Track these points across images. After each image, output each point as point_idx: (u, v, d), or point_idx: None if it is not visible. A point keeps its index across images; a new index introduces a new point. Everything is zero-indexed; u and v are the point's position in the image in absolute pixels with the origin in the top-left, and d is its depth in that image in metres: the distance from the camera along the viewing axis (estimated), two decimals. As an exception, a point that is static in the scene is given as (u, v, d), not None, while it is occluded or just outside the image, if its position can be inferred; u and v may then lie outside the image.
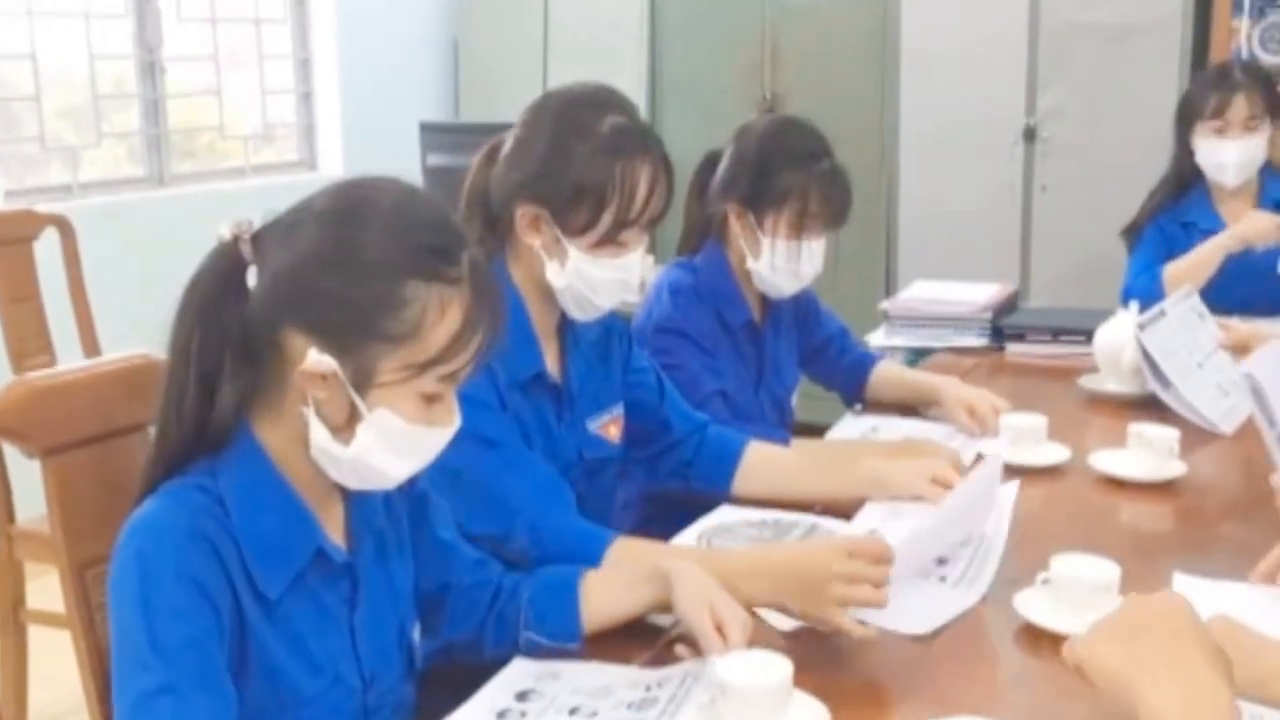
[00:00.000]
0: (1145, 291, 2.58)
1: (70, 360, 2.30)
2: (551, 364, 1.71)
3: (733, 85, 4.69)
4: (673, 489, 1.90)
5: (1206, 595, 1.49)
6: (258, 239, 1.18)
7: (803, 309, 2.34)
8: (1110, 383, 2.35)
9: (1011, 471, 1.95)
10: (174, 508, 1.14)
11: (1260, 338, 2.30)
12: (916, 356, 2.73)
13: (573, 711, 1.25)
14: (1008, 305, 2.85)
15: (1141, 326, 2.21)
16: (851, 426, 2.25)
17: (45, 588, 2.06)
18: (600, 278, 1.63)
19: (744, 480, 1.85)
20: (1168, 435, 1.90)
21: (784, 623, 1.42)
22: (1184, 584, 1.53)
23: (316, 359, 1.14)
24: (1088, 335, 2.47)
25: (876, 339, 2.78)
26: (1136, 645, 0.98)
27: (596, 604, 1.39)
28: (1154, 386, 2.22)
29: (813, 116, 2.23)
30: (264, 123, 4.74)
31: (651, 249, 2.32)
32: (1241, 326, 2.37)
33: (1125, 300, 2.51)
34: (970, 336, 2.73)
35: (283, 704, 1.18)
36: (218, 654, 1.12)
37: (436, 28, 5.16)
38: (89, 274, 3.03)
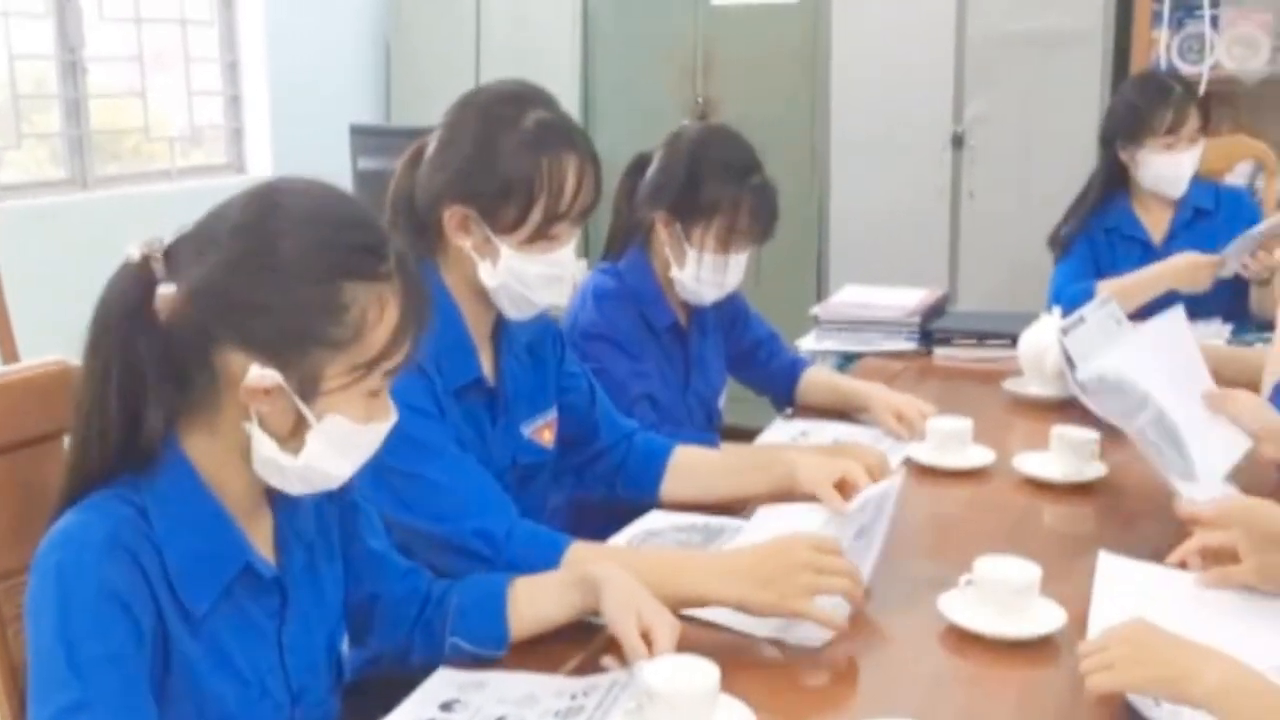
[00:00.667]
0: (1074, 301, 2.62)
1: (-13, 367, 2.24)
2: (486, 368, 1.70)
3: (666, 90, 4.71)
4: (599, 496, 1.90)
5: (1128, 574, 1.54)
6: (170, 255, 1.15)
7: (729, 312, 2.35)
8: (1034, 386, 2.39)
9: (937, 474, 1.98)
10: (96, 520, 1.12)
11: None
12: (846, 360, 2.75)
13: (498, 721, 1.25)
14: (936, 309, 2.88)
15: (1064, 331, 2.24)
16: (782, 430, 2.27)
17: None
18: (534, 274, 1.62)
19: (671, 484, 1.86)
20: (1088, 437, 1.94)
21: (759, 627, 1.42)
22: (1108, 561, 1.57)
23: (260, 374, 1.12)
24: (1013, 339, 2.51)
25: (807, 343, 2.80)
26: (1154, 655, 1.19)
27: (524, 611, 1.39)
28: (1075, 390, 2.26)
29: (745, 121, 2.24)
30: (191, 125, 4.66)
31: (585, 253, 2.32)
32: None
33: (1051, 307, 2.54)
34: (899, 340, 2.76)
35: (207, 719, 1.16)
36: (138, 671, 1.09)
37: (367, 30, 5.11)
38: (8, 278, 2.96)
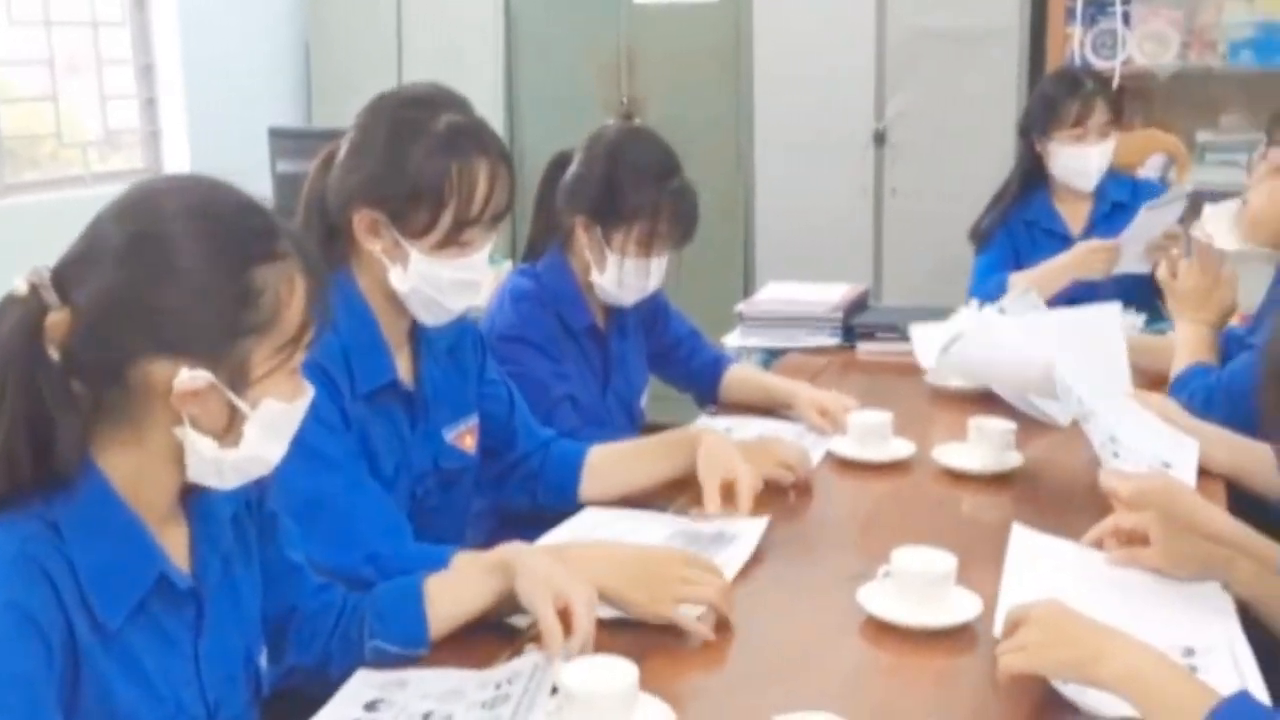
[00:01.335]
0: (991, 294, 2.66)
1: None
2: (404, 372, 1.69)
3: (590, 90, 4.70)
4: (521, 504, 1.90)
5: (1041, 547, 1.57)
6: (58, 280, 1.13)
7: (650, 311, 2.35)
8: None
9: (858, 468, 2.00)
10: (3, 536, 1.09)
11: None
12: (771, 356, 2.77)
13: (426, 717, 1.24)
14: (859, 305, 2.91)
15: (970, 330, 2.27)
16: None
17: None
18: (446, 279, 1.61)
19: (589, 486, 1.86)
20: (1005, 428, 1.97)
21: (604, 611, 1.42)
22: (1020, 534, 1.59)
23: (190, 377, 1.12)
24: (934, 333, 2.53)
25: (732, 340, 2.81)
26: (1065, 637, 1.21)
27: (442, 605, 1.38)
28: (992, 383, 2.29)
29: (669, 120, 2.25)
30: (105, 130, 4.57)
31: (511, 254, 2.31)
32: None
33: (970, 299, 2.58)
34: (823, 336, 2.78)
35: None
36: (46, 689, 1.06)
37: (286, 31, 5.04)
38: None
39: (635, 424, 2.31)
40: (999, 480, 1.93)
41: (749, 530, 1.68)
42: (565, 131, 2.23)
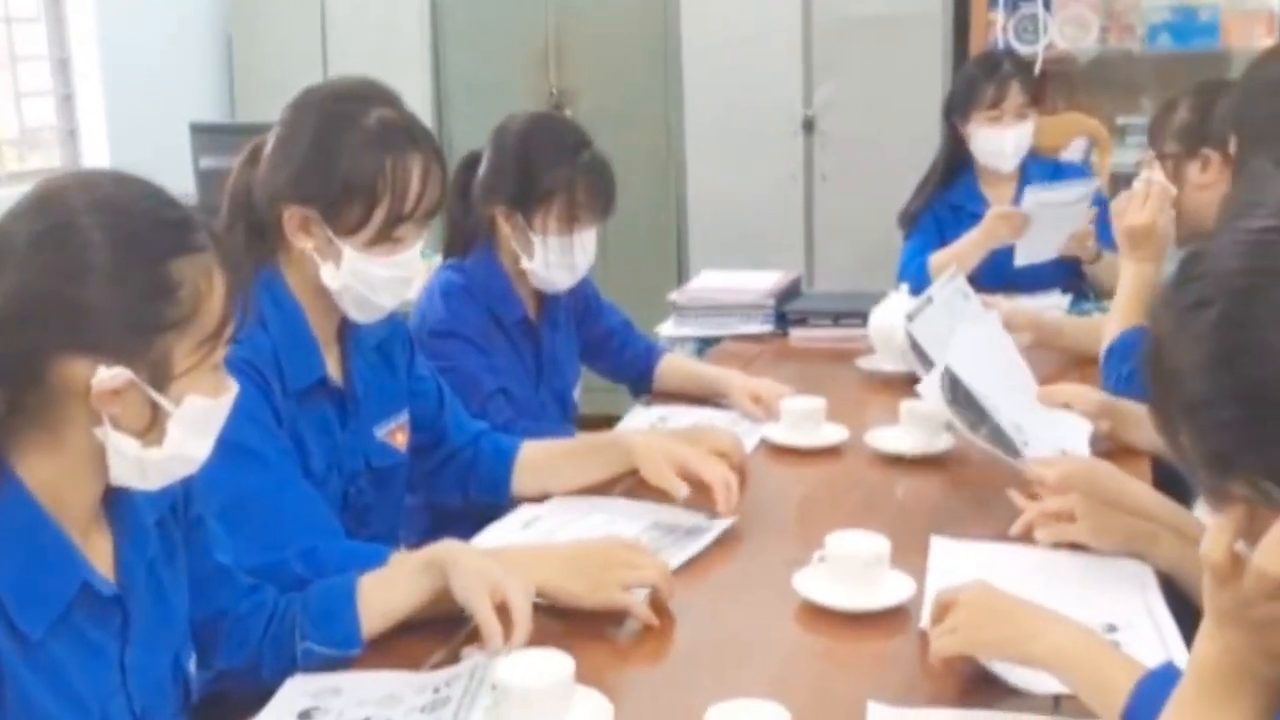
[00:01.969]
0: (915, 277, 2.70)
1: None
2: (334, 370, 1.67)
3: (519, 82, 4.68)
4: (453, 500, 1.89)
5: (962, 553, 1.58)
6: None
7: (581, 303, 2.35)
8: (886, 362, 2.44)
9: (792, 454, 2.01)
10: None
11: (1021, 314, 2.42)
12: (704, 346, 2.78)
13: (364, 723, 1.22)
14: (791, 291, 2.93)
15: (910, 317, 2.29)
16: (640, 417, 2.28)
17: None
18: (379, 276, 1.59)
19: (520, 481, 1.85)
20: (936, 411, 1.99)
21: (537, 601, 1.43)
22: (940, 545, 1.61)
23: (109, 375, 1.09)
24: (866, 318, 2.55)
25: (666, 329, 2.82)
26: (995, 618, 1.24)
27: (375, 604, 1.37)
28: (921, 373, 2.31)
29: (600, 110, 2.25)
30: (21, 127, 4.45)
31: (442, 249, 2.29)
32: (1004, 304, 2.49)
33: (899, 284, 2.60)
34: (755, 323, 2.80)
35: None
36: None
37: (207, 24, 4.95)
38: None
39: (569, 416, 2.31)
40: (931, 462, 1.95)
41: (717, 527, 1.68)
42: (494, 123, 2.21)
